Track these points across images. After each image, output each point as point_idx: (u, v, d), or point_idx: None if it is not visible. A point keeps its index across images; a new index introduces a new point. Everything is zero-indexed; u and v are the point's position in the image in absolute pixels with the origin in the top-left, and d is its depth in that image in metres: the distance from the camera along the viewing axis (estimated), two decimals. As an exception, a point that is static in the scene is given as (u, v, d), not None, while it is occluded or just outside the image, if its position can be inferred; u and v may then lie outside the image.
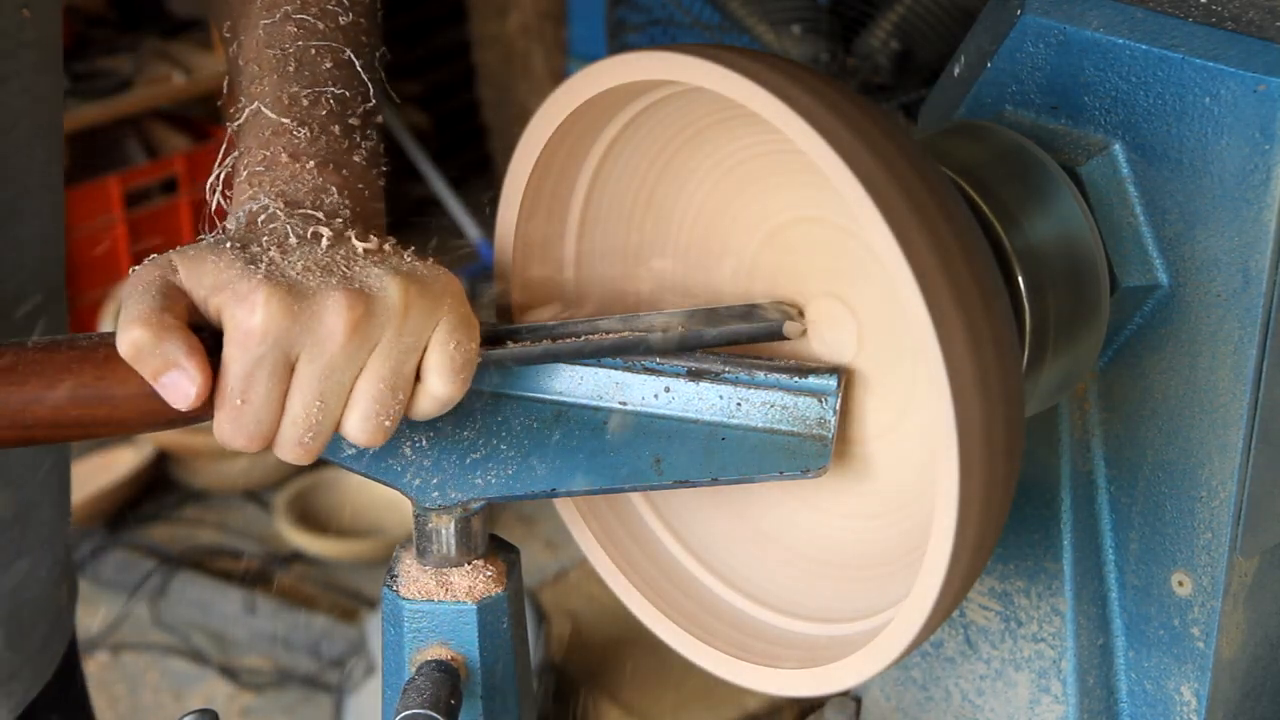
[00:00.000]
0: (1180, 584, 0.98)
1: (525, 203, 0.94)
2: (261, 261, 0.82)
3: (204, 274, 0.82)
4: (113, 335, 0.82)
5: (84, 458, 3.53)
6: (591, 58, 0.90)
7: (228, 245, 0.83)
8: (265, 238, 0.84)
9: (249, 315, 0.80)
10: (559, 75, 4.01)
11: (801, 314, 0.92)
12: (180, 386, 0.81)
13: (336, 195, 0.89)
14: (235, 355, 0.81)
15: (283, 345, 0.81)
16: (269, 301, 0.80)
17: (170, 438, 3.52)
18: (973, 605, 1.08)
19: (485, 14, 4.49)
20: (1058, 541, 1.02)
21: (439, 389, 0.85)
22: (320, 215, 0.87)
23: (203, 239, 0.85)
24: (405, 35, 4.66)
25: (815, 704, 1.21)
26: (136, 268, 0.83)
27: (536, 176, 0.93)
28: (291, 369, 0.82)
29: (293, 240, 0.84)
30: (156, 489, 3.62)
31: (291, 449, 0.84)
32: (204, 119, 4.05)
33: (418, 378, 0.85)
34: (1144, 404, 0.97)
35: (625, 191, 0.96)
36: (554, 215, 0.97)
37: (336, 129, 0.94)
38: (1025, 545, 1.04)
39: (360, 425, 0.84)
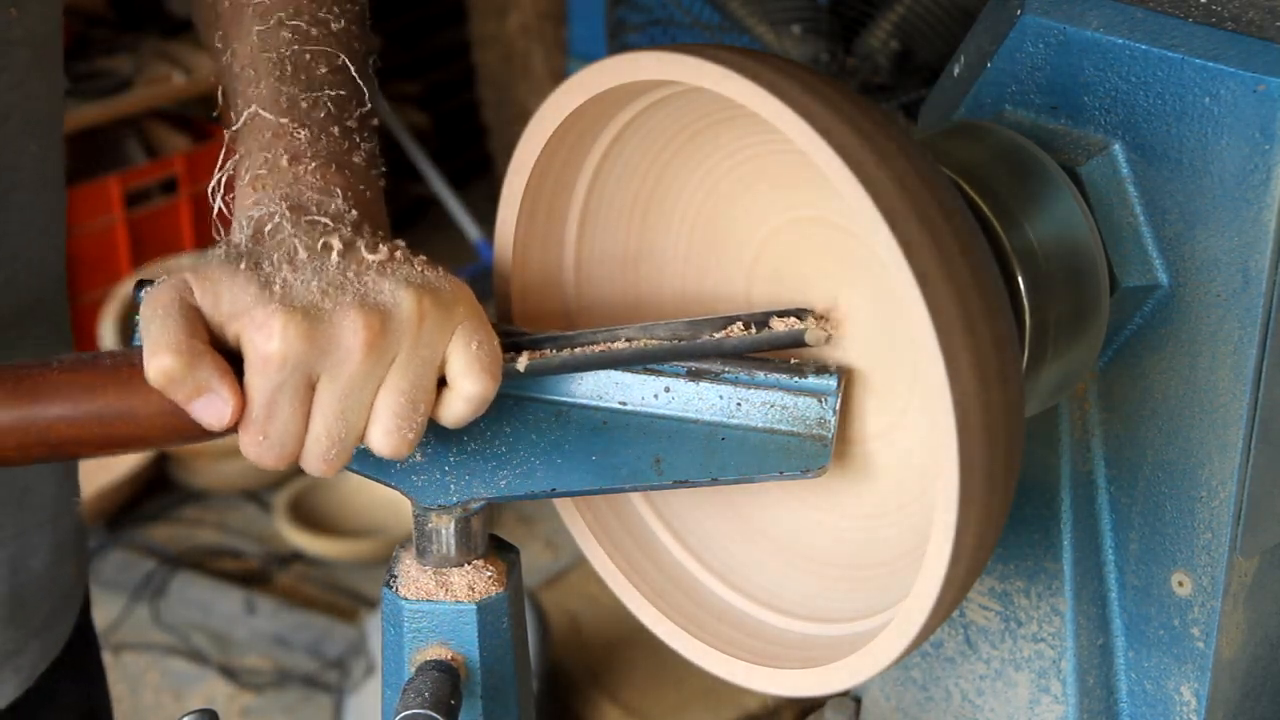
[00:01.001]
0: (1180, 584, 0.98)
1: (525, 203, 0.94)
2: (275, 283, 0.83)
3: (220, 298, 0.83)
4: (136, 353, 0.83)
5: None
6: (591, 58, 0.90)
7: (240, 265, 0.84)
8: (276, 254, 0.84)
9: (267, 342, 0.81)
10: (559, 75, 4.01)
11: (823, 319, 0.91)
12: (214, 409, 0.82)
13: (340, 198, 0.89)
14: (257, 382, 0.82)
15: (302, 369, 0.82)
16: (286, 328, 0.81)
17: (170, 438, 3.52)
18: (973, 605, 1.08)
19: (485, 14, 4.49)
20: (1058, 541, 1.02)
21: (470, 389, 0.85)
22: (326, 221, 0.87)
23: (213, 252, 0.86)
24: (405, 35, 4.66)
25: (815, 704, 1.21)
26: (150, 289, 0.84)
27: (536, 176, 0.93)
28: (312, 389, 0.83)
29: (302, 255, 0.84)
30: (156, 489, 3.62)
31: (316, 464, 0.85)
32: (204, 119, 4.05)
33: (445, 385, 0.86)
34: (1144, 404, 0.97)
35: (625, 191, 0.96)
36: (554, 215, 0.97)
37: (335, 130, 0.94)
38: (1025, 545, 1.04)
39: (383, 439, 0.85)
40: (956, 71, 1.05)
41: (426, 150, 4.26)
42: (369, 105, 0.98)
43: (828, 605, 0.95)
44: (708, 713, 2.81)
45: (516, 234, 0.96)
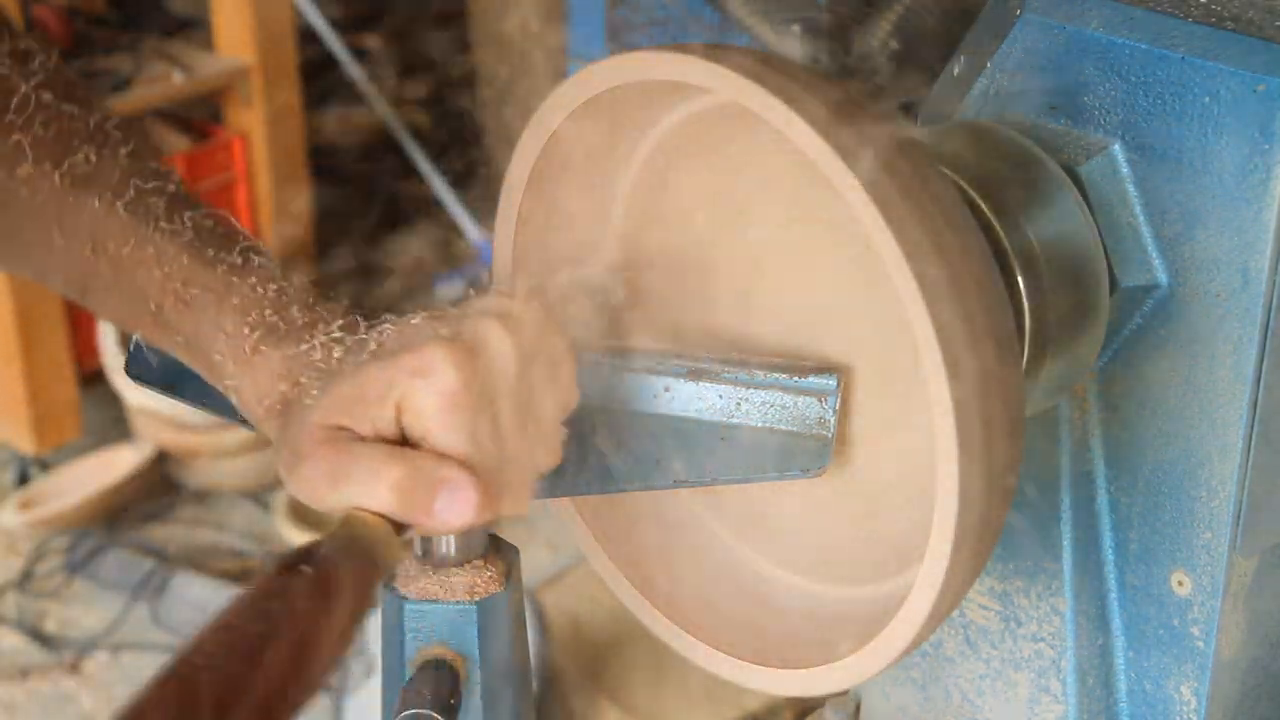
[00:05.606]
0: (1180, 584, 0.98)
1: (525, 203, 0.94)
2: (389, 350, 0.80)
3: (361, 399, 0.80)
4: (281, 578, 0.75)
5: (84, 458, 3.53)
6: (591, 58, 0.90)
7: (341, 375, 0.81)
8: (351, 353, 0.83)
9: (443, 379, 0.78)
10: (559, 75, 4.01)
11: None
12: (459, 496, 0.78)
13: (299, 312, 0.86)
14: (453, 433, 0.78)
15: (484, 389, 0.79)
16: (449, 355, 0.78)
17: (170, 438, 3.52)
18: (972, 605, 1.08)
19: (485, 14, 4.49)
20: (1058, 541, 1.02)
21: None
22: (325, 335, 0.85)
23: (302, 399, 0.83)
24: (405, 35, 4.66)
25: (815, 704, 1.21)
26: (300, 473, 0.81)
27: (535, 177, 0.93)
28: (495, 414, 0.80)
29: (371, 336, 0.83)
30: (156, 489, 3.61)
31: (522, 496, 0.82)
32: (204, 119, 4.05)
33: None
34: (1144, 404, 0.97)
35: (624, 191, 0.96)
36: (554, 215, 0.97)
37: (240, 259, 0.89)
38: (1025, 545, 1.04)
39: (555, 443, 0.84)
40: (956, 71, 1.05)
41: (426, 150, 4.26)
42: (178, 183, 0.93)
43: (827, 605, 0.95)
44: (708, 713, 2.81)
45: (516, 234, 0.96)
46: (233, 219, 0.92)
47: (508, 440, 0.81)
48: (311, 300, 0.87)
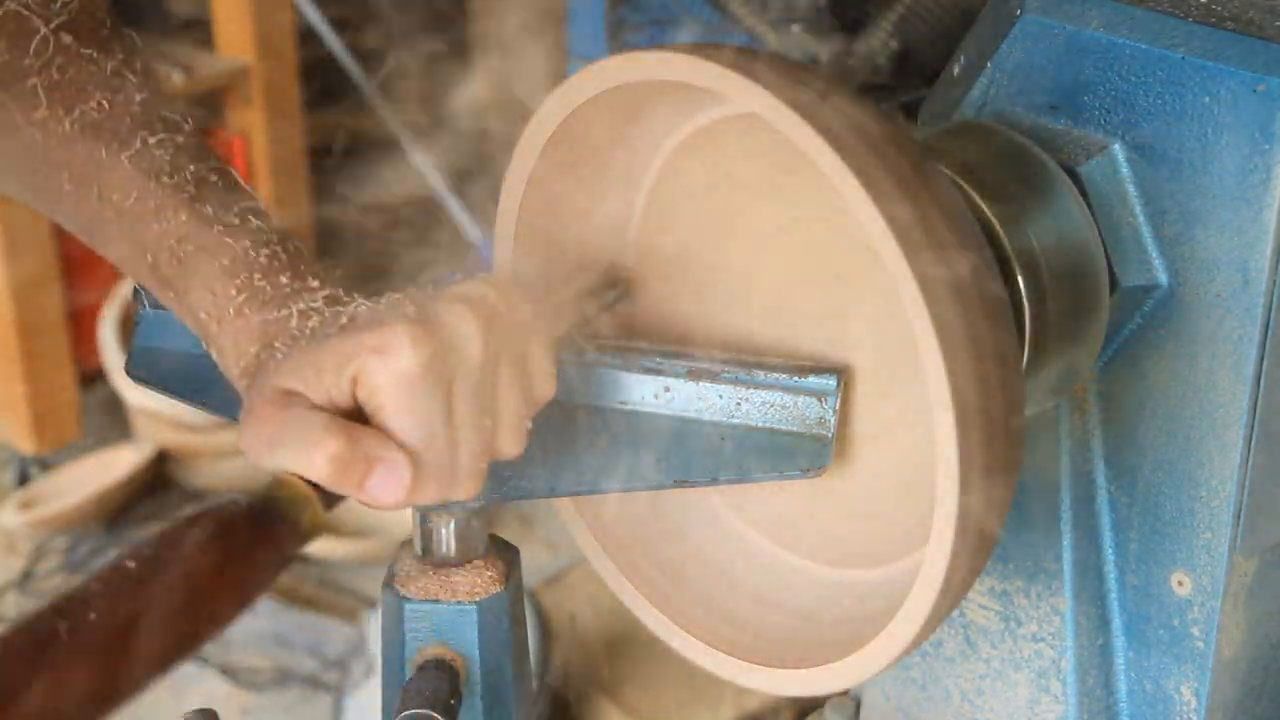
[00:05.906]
0: (1180, 584, 0.98)
1: (525, 203, 0.94)
2: (356, 324, 0.80)
3: (319, 365, 0.80)
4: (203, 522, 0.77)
5: (84, 458, 3.53)
6: (591, 58, 0.90)
7: (310, 341, 0.81)
8: (323, 324, 0.83)
9: (403, 360, 0.78)
10: (559, 75, 4.01)
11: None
12: (392, 476, 0.79)
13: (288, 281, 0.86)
14: (405, 418, 0.79)
15: (442, 376, 0.79)
16: (413, 337, 0.78)
17: (170, 438, 3.52)
18: (972, 605, 1.08)
19: (485, 14, 4.50)
20: (1057, 541, 1.02)
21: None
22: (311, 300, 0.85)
23: (270, 362, 0.83)
24: (405, 35, 4.67)
25: (815, 704, 1.21)
26: (245, 431, 0.81)
27: (536, 177, 0.93)
28: (450, 399, 0.80)
29: (344, 309, 0.83)
30: (156, 489, 3.61)
31: (469, 484, 0.82)
32: (204, 119, 4.05)
33: None
34: (1144, 404, 0.97)
35: (633, 191, 0.96)
36: (553, 216, 0.96)
37: (251, 220, 0.89)
38: (1025, 545, 1.04)
39: (512, 436, 0.83)
40: (956, 71, 1.05)
41: (426, 150, 4.26)
42: (191, 130, 0.92)
43: (826, 605, 0.95)
44: (708, 713, 2.81)
45: (516, 233, 0.96)
46: (237, 175, 0.92)
47: (461, 427, 0.81)
48: (304, 268, 0.87)
